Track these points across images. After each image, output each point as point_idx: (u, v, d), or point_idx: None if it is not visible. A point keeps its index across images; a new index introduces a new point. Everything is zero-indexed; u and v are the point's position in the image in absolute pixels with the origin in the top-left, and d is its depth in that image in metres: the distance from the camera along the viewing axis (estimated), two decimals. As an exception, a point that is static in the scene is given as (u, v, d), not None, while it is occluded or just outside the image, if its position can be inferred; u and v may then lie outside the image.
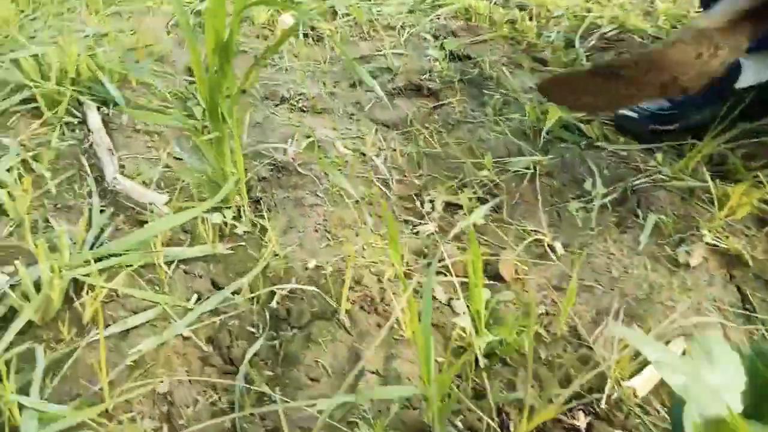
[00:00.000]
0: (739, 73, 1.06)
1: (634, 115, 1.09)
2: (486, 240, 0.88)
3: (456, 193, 0.99)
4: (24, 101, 1.08)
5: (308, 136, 1.07)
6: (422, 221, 0.91)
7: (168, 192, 0.91)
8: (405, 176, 1.02)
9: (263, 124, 1.13)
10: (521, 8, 1.87)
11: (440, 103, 1.22)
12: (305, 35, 1.66)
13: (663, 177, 0.96)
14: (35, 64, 1.14)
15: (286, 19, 1.70)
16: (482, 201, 0.98)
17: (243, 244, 0.82)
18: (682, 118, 1.08)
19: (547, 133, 1.10)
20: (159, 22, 1.75)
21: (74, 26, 1.59)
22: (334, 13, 1.86)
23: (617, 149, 1.05)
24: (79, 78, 1.16)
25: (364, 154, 1.05)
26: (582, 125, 1.13)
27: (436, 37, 1.64)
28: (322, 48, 1.59)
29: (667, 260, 0.83)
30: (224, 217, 0.82)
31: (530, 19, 1.79)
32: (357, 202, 0.91)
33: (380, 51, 1.53)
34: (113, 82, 1.19)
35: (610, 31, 1.57)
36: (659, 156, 0.98)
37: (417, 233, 0.89)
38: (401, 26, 1.73)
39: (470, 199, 0.96)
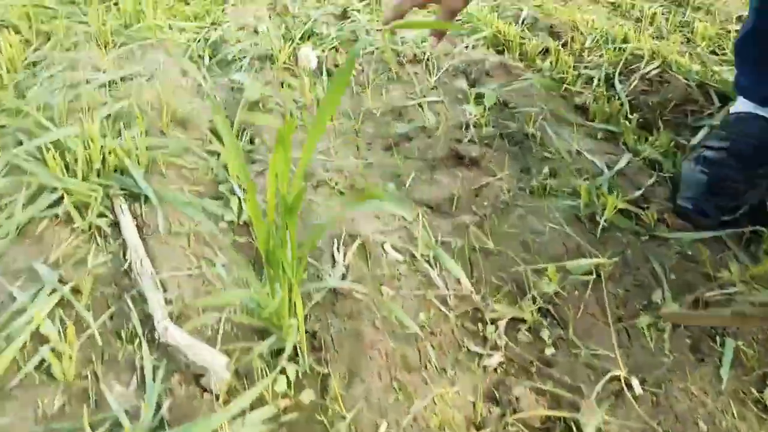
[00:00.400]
0: None
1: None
2: (557, 375, 0.83)
3: (517, 302, 0.94)
4: (51, 205, 1.01)
5: (354, 236, 1.02)
6: (487, 350, 0.87)
7: (218, 324, 0.86)
8: (460, 283, 0.97)
9: (304, 217, 1.07)
10: (552, 33, 1.79)
11: (485, 181, 1.16)
12: (329, 73, 1.58)
13: (738, 289, 0.91)
14: (58, 154, 1.07)
15: (308, 54, 1.61)
16: (544, 314, 0.93)
17: (303, 398, 0.77)
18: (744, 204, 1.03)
19: (605, 221, 1.05)
20: (173, 56, 1.66)
21: (86, 74, 1.51)
22: (356, 40, 1.77)
23: (683, 247, 1.00)
24: (106, 167, 1.09)
25: (414, 256, 1.00)
26: (638, 210, 1.07)
27: (467, 75, 1.57)
28: (347, 91, 1.51)
29: (753, 403, 0.78)
30: (287, 378, 0.77)
31: (564, 45, 1.70)
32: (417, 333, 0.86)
33: (412, 97, 1.46)
34: (141, 166, 1.12)
35: (651, 70, 1.49)
36: (733, 267, 0.93)
37: (485, 368, 0.84)
38: (428, 59, 1.65)
39: (533, 312, 0.91)
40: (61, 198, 1.02)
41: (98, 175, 1.07)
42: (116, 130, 1.21)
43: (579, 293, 0.94)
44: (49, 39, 1.80)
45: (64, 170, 1.06)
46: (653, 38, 1.80)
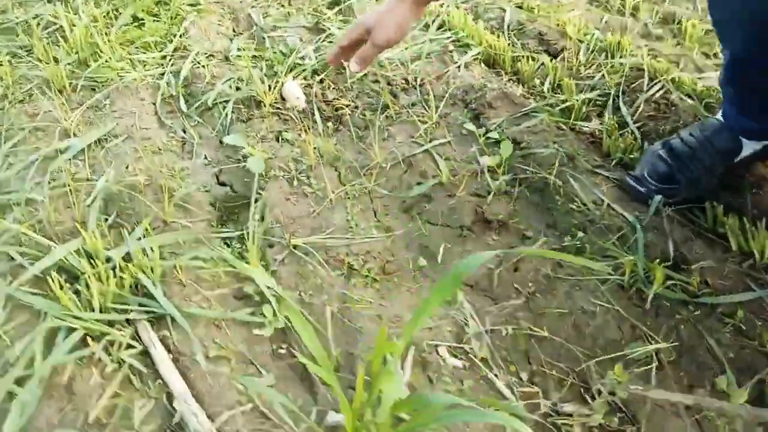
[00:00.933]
0: (738, 152, 1.23)
1: (642, 189, 1.20)
2: (644, 490, 0.83)
3: (583, 397, 0.92)
4: (73, 348, 0.92)
5: (408, 344, 0.97)
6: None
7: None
8: (521, 378, 0.95)
9: (346, 321, 1.01)
10: (542, 41, 1.73)
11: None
12: (321, 112, 1.48)
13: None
14: (65, 280, 0.96)
15: (294, 91, 1.50)
16: (614, 408, 0.92)
17: None
18: (682, 193, 1.19)
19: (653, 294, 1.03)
20: (144, 102, 1.52)
21: (55, 140, 1.36)
22: (342, 66, 1.66)
23: (733, 318, 1.00)
24: (120, 286, 0.99)
25: (473, 359, 0.96)
26: (681, 276, 1.06)
27: (467, 104, 1.50)
28: (347, 135, 1.42)
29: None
30: None
31: (558, 59, 1.65)
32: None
33: (418, 142, 1.38)
34: (155, 275, 1.02)
35: (655, 92, 1.46)
36: (797, 350, 0.94)
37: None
38: (421, 84, 1.56)
39: (603, 410, 0.90)
40: (83, 336, 0.92)
41: (113, 299, 0.97)
42: (116, 230, 1.10)
43: (643, 382, 0.93)
44: (-7, 83, 1.60)
45: (77, 300, 0.95)
46: (641, 36, 1.77)
